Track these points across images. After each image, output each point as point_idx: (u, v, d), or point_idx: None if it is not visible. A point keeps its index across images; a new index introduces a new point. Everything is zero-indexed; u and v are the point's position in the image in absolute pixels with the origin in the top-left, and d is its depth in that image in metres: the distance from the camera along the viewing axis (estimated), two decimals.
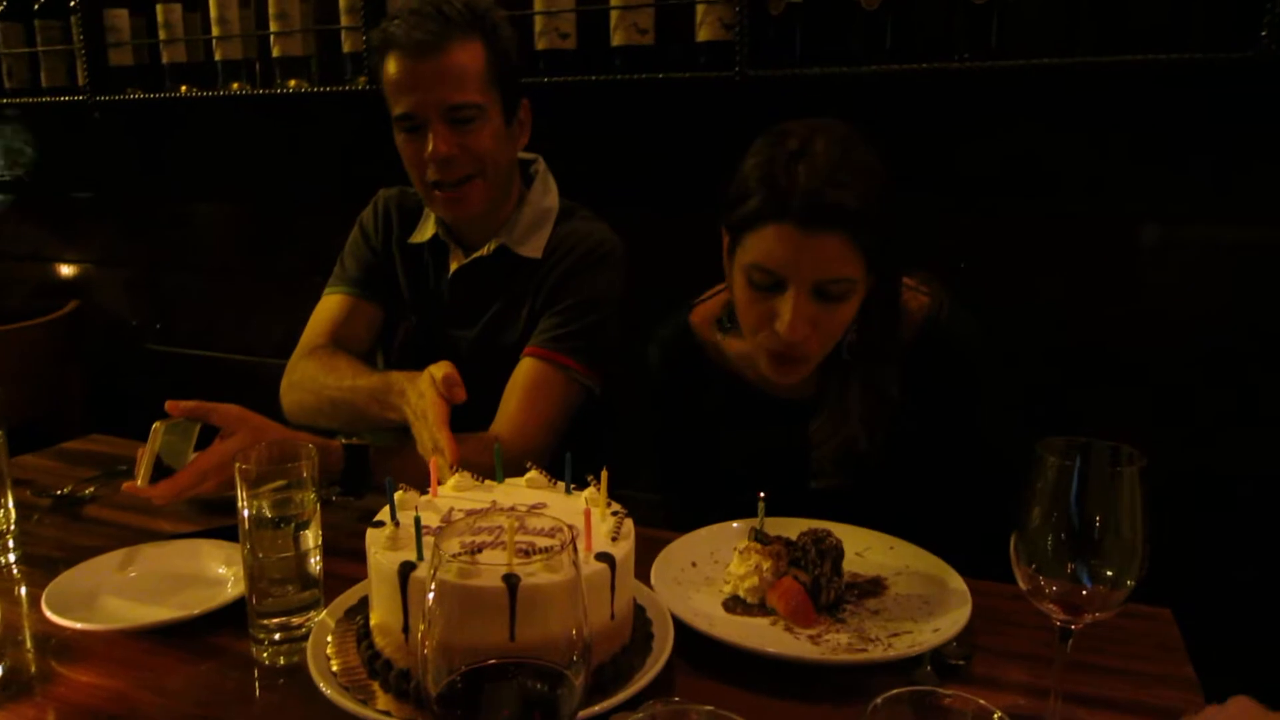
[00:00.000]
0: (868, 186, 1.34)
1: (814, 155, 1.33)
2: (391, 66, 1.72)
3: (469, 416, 1.72)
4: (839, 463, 1.52)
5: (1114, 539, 0.90)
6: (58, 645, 1.18)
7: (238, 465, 1.11)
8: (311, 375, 1.82)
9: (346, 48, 2.62)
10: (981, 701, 0.66)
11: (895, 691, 0.68)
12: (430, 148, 1.72)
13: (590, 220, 1.92)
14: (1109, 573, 0.91)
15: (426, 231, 1.93)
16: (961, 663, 1.12)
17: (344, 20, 2.59)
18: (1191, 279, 2.20)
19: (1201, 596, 1.55)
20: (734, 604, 1.25)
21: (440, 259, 1.94)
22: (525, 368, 1.78)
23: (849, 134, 1.38)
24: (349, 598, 1.19)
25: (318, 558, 1.16)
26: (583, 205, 1.96)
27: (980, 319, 1.59)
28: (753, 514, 1.37)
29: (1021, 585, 0.96)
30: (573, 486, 1.21)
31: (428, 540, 1.01)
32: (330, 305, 1.96)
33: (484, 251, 1.86)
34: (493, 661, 0.76)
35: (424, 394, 1.52)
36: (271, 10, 2.66)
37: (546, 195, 1.92)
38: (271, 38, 2.69)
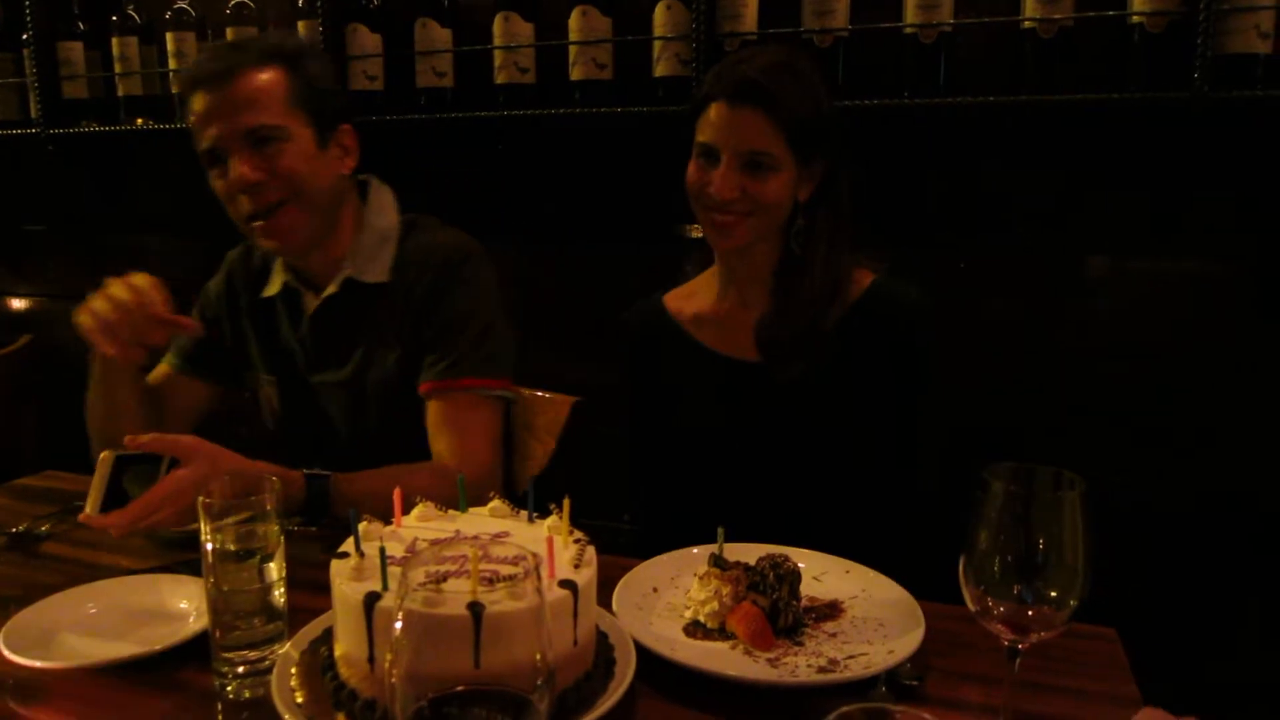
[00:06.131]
0: (795, 81, 1.58)
1: (756, 56, 1.61)
2: (193, 104, 1.69)
3: (377, 463, 1.65)
4: (791, 346, 1.68)
5: (1057, 561, 0.94)
6: (16, 685, 1.17)
7: (200, 499, 1.11)
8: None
9: None
10: (929, 717, 0.69)
11: (847, 708, 0.70)
12: (234, 174, 1.66)
13: (437, 229, 1.85)
14: (1053, 594, 0.94)
15: (276, 284, 1.88)
16: (915, 683, 1.14)
17: None
18: (1136, 309, 2.27)
19: (1145, 616, 1.60)
20: (694, 629, 1.27)
21: (294, 308, 1.88)
22: (434, 409, 1.74)
23: (798, 51, 1.67)
24: (312, 629, 1.19)
25: (282, 590, 1.17)
26: (428, 215, 1.89)
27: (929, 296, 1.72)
28: (716, 523, 1.39)
29: (970, 606, 0.99)
30: (535, 515, 1.23)
31: (393, 570, 1.02)
32: (155, 373, 1.94)
33: (333, 289, 1.80)
34: (459, 689, 0.78)
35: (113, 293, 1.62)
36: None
37: (382, 215, 1.85)
38: None
